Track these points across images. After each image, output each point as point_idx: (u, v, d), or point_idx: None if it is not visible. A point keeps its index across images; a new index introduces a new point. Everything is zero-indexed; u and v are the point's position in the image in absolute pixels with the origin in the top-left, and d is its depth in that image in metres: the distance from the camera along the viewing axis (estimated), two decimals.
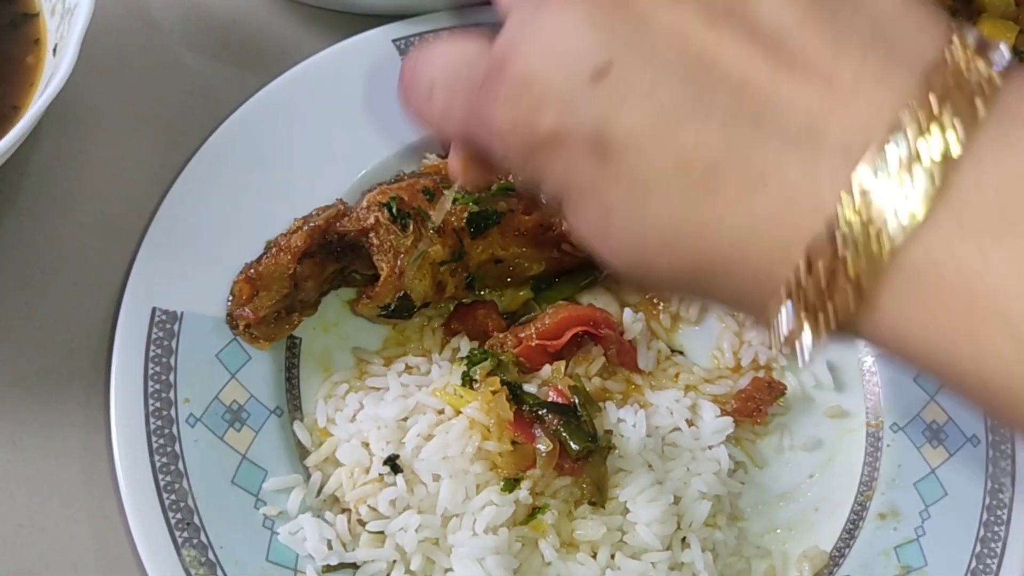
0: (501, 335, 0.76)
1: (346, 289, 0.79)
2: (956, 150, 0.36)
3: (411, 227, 0.73)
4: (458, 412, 0.70)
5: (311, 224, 0.73)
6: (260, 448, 0.71)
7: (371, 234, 0.73)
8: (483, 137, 0.44)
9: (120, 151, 0.82)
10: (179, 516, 0.67)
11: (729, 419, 0.76)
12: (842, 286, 0.37)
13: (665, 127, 0.39)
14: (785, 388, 0.79)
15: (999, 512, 0.75)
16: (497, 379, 0.70)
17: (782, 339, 0.39)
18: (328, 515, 0.70)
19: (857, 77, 0.38)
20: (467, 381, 0.71)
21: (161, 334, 0.72)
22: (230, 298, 0.74)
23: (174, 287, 0.73)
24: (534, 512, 0.69)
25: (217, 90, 0.85)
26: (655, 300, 0.82)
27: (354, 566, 0.69)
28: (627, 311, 0.79)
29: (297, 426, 0.73)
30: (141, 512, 0.67)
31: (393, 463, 0.69)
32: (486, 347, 0.75)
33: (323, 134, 0.80)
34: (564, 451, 0.69)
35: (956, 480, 0.76)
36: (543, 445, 0.69)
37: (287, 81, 0.81)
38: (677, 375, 0.80)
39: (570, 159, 0.41)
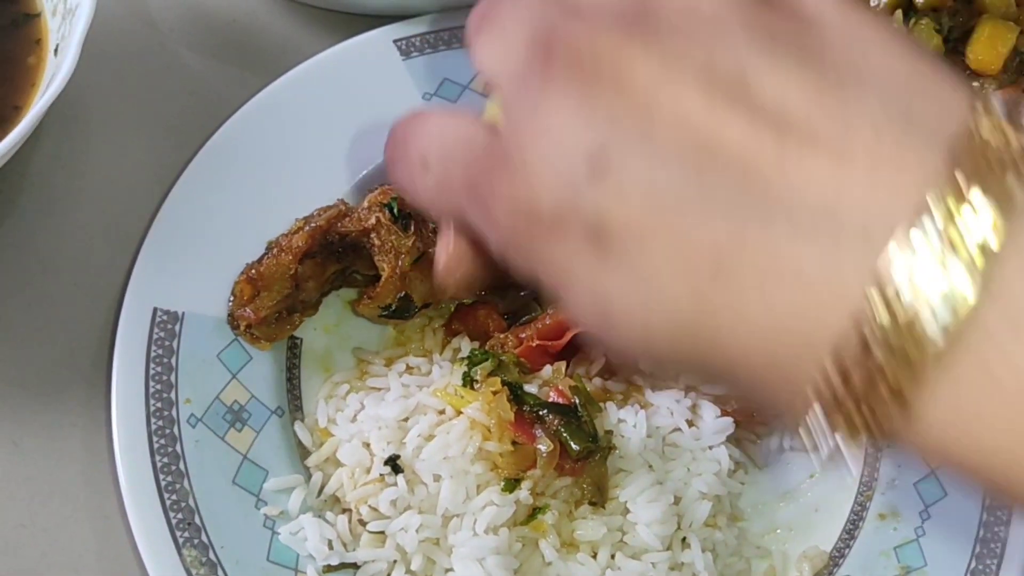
0: (502, 335, 0.76)
1: (347, 289, 0.79)
2: (994, 237, 0.32)
3: (412, 227, 0.74)
4: (459, 412, 0.70)
5: (312, 224, 0.73)
6: (261, 448, 0.71)
7: (372, 234, 0.73)
8: (479, 222, 0.42)
9: (121, 151, 0.82)
10: (180, 516, 0.67)
11: (729, 419, 0.76)
12: (882, 395, 0.34)
13: (665, 216, 0.36)
14: None
15: (999, 512, 0.75)
16: (498, 379, 0.70)
17: (817, 444, 0.36)
18: (329, 515, 0.70)
19: (871, 154, 0.34)
20: (468, 381, 0.71)
21: (162, 334, 0.72)
22: (231, 298, 0.74)
23: (175, 287, 0.73)
24: (534, 512, 0.69)
25: (218, 90, 0.84)
26: None
27: (355, 566, 0.69)
28: None
29: (298, 426, 0.73)
30: (142, 512, 0.67)
31: (394, 463, 0.69)
32: (487, 347, 0.75)
33: (324, 134, 0.80)
34: (565, 451, 0.69)
35: (956, 481, 0.76)
36: (544, 445, 0.69)
37: (288, 81, 0.81)
38: (678, 375, 0.79)
39: (569, 250, 0.39)
